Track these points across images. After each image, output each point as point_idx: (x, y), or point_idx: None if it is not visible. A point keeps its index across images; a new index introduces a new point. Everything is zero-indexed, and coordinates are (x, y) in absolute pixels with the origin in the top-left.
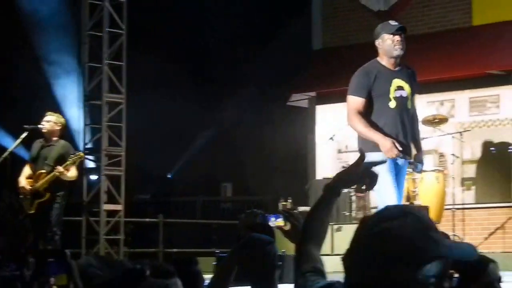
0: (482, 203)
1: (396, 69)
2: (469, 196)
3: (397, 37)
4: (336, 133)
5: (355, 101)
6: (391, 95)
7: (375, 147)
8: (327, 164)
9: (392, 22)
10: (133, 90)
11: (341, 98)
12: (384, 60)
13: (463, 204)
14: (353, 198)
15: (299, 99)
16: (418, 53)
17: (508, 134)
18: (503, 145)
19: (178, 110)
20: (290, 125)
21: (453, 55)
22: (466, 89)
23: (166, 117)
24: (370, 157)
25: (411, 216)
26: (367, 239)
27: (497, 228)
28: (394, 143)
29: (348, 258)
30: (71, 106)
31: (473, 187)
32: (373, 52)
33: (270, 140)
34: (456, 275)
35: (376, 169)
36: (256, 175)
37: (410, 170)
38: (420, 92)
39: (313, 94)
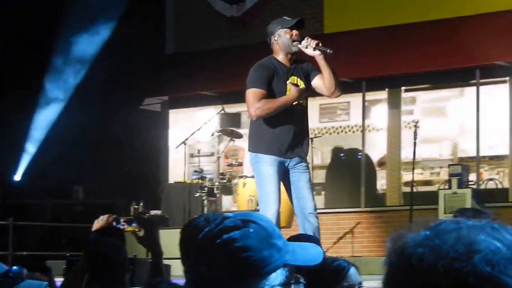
0: (331, 208)
1: (292, 66)
2: (319, 201)
3: (295, 32)
4: (188, 137)
5: (256, 93)
6: (288, 93)
7: (268, 150)
8: (179, 168)
9: (288, 18)
10: None
11: (194, 103)
12: (280, 57)
13: None
14: (205, 202)
15: (152, 103)
16: None
17: (358, 141)
18: (353, 151)
19: (28, 111)
20: (143, 129)
21: None
22: (316, 95)
23: (16, 119)
24: (260, 158)
25: (253, 225)
26: (209, 253)
27: (346, 233)
28: (300, 89)
29: (193, 271)
30: None
31: (323, 192)
32: (228, 58)
33: (123, 143)
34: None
35: (262, 172)
36: (108, 178)
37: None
38: None
39: (165, 98)
